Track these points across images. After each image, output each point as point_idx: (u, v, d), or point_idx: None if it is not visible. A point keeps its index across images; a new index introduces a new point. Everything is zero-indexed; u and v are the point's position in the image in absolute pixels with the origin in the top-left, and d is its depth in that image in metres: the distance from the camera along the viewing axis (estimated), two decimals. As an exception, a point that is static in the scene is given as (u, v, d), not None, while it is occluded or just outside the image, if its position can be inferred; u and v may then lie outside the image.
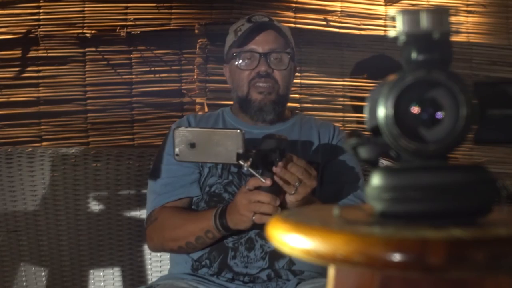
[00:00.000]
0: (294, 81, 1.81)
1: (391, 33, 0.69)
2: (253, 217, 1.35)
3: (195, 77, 2.11)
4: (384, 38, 2.19)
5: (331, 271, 0.72)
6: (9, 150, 1.83)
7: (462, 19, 2.26)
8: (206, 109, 2.08)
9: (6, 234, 1.79)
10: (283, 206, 1.35)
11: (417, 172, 0.67)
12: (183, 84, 2.12)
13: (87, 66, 2.08)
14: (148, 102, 2.11)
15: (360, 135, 0.71)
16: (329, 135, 1.66)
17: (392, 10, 0.84)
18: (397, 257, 0.58)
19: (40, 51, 2.05)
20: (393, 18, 0.69)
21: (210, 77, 2.10)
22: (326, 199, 1.55)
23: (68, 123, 2.07)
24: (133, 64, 2.10)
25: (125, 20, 2.08)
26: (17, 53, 2.04)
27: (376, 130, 0.69)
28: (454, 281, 0.65)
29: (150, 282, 1.83)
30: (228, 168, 1.58)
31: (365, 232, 0.62)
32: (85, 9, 2.06)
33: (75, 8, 2.06)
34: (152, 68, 2.10)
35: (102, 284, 1.84)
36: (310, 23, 2.17)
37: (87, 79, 2.08)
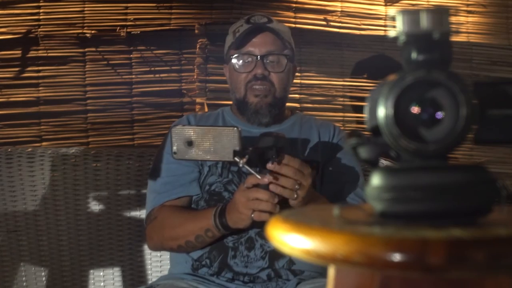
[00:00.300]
0: (294, 81, 1.81)
1: (391, 33, 0.69)
2: (252, 215, 1.35)
3: (195, 77, 2.11)
4: (384, 38, 2.19)
5: (331, 271, 0.72)
6: (9, 150, 1.83)
7: (462, 19, 2.26)
8: (206, 109, 2.08)
9: (6, 234, 1.79)
10: (281, 203, 1.36)
11: (417, 172, 0.67)
12: (183, 84, 2.12)
13: (87, 66, 2.08)
14: (148, 102, 2.11)
15: (360, 135, 0.71)
16: (329, 134, 1.66)
17: (392, 10, 0.84)
18: (397, 257, 0.58)
19: (40, 51, 2.05)
20: (393, 18, 0.69)
21: (210, 77, 2.10)
22: (327, 198, 1.55)
23: (68, 123, 2.07)
24: (133, 64, 2.10)
25: (125, 20, 2.08)
26: (17, 53, 2.04)
27: (376, 130, 0.69)
28: (454, 281, 0.65)
29: (150, 282, 1.83)
30: (228, 167, 1.58)
31: (365, 232, 0.62)
32: (85, 9, 2.07)
33: (75, 8, 2.06)
34: (152, 68, 2.10)
35: (102, 284, 1.84)
36: (310, 23, 2.17)
37: (87, 79, 2.08)
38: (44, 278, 1.81)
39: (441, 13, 0.68)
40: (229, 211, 1.42)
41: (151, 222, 1.58)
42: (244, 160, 1.29)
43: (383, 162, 1.36)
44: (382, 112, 0.68)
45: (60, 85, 2.07)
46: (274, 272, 1.50)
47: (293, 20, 2.15)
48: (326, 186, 1.59)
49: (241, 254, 1.50)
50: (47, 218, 1.82)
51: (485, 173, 0.67)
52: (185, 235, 1.50)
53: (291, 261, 1.51)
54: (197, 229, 1.48)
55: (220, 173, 1.58)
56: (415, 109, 0.68)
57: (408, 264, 0.58)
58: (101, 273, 1.84)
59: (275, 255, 1.50)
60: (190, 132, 1.32)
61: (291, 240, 0.66)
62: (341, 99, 2.20)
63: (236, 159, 1.30)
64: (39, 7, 2.04)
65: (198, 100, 2.10)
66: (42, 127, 2.06)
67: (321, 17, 2.17)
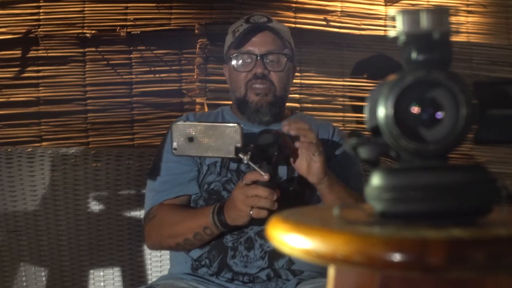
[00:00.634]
0: (294, 81, 1.81)
1: (391, 33, 0.69)
2: (250, 212, 1.36)
3: (195, 77, 2.11)
4: (384, 38, 2.19)
5: (331, 271, 0.72)
6: (9, 150, 1.83)
7: (462, 19, 2.26)
8: (206, 109, 2.08)
9: (6, 234, 1.79)
10: (279, 201, 1.36)
11: (417, 172, 0.67)
12: (183, 84, 2.12)
13: (87, 66, 2.08)
14: (148, 102, 2.11)
15: (360, 135, 0.72)
16: (328, 134, 1.66)
17: (392, 10, 0.84)
18: (397, 257, 0.58)
19: (40, 51, 2.05)
20: (393, 18, 0.69)
21: (210, 77, 2.10)
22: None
23: (68, 123, 2.07)
24: (133, 64, 2.10)
25: (125, 20, 2.08)
26: (17, 53, 2.04)
27: (376, 130, 0.69)
28: (454, 281, 0.65)
29: (150, 282, 1.83)
30: (227, 165, 1.58)
31: (365, 232, 0.62)
32: (85, 9, 2.06)
33: (75, 8, 2.06)
34: (152, 68, 2.10)
35: (102, 284, 1.84)
36: (310, 23, 2.16)
37: (87, 79, 2.08)
38: (44, 278, 1.81)
39: (441, 13, 0.68)
40: (228, 209, 1.42)
41: (149, 221, 1.58)
42: (248, 156, 1.30)
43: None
44: (382, 112, 0.68)
45: (60, 85, 2.07)
46: (273, 272, 1.50)
47: (293, 20, 2.15)
48: None
49: (240, 254, 1.51)
50: (47, 218, 1.82)
51: (485, 173, 0.67)
52: (184, 233, 1.50)
53: (290, 261, 1.51)
54: (196, 226, 1.48)
55: (219, 172, 1.58)
56: (415, 109, 0.68)
57: (408, 264, 0.58)
58: (101, 273, 1.84)
59: (274, 255, 1.50)
60: (191, 128, 1.32)
61: (291, 240, 0.66)
62: (341, 99, 2.20)
63: (240, 155, 1.30)
64: (39, 7, 2.04)
65: (198, 100, 2.10)
66: (42, 127, 2.06)
67: (321, 17, 2.17)
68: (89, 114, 2.08)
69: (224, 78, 1.75)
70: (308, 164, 1.41)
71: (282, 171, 1.54)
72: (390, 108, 0.68)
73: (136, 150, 1.91)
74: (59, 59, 2.06)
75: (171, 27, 2.10)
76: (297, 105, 2.15)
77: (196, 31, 2.09)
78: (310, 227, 0.65)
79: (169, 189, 1.58)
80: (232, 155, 1.31)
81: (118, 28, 2.07)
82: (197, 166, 1.61)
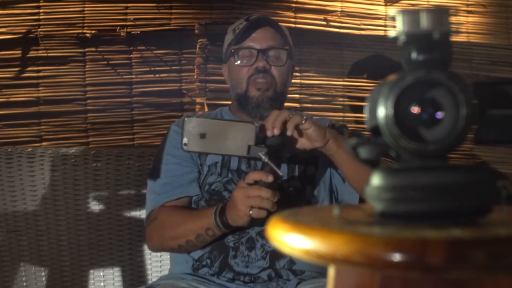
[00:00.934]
0: (294, 81, 1.82)
1: (391, 33, 0.69)
2: (250, 212, 1.36)
3: (195, 77, 2.11)
4: (384, 38, 2.19)
5: (331, 271, 0.72)
6: (9, 150, 1.83)
7: (462, 19, 2.26)
8: (206, 109, 2.08)
9: (6, 234, 1.79)
10: (280, 201, 1.37)
11: (417, 172, 0.67)
12: (183, 84, 2.12)
13: (87, 66, 2.08)
14: (148, 102, 2.11)
15: (360, 135, 0.72)
16: None
17: (392, 10, 0.84)
18: (397, 257, 0.58)
19: (40, 51, 2.05)
20: (393, 18, 0.69)
21: (210, 77, 2.10)
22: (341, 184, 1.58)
23: (68, 123, 2.07)
24: (133, 64, 2.10)
25: (125, 20, 2.08)
26: (17, 53, 2.04)
27: (376, 130, 0.69)
28: (454, 281, 0.65)
29: (150, 282, 1.83)
30: (227, 166, 1.58)
31: (365, 232, 0.62)
32: (85, 9, 2.06)
33: (75, 8, 2.06)
34: (152, 68, 2.10)
35: (102, 284, 1.84)
36: (310, 23, 2.16)
37: (87, 79, 2.08)
38: (44, 278, 1.81)
39: (441, 13, 0.68)
40: (229, 209, 1.42)
41: (151, 223, 1.58)
42: (267, 156, 1.30)
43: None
44: (382, 112, 0.68)
45: (60, 85, 2.07)
46: (274, 272, 1.50)
47: (293, 20, 2.15)
48: (336, 175, 1.59)
49: (241, 254, 1.50)
50: (47, 218, 1.82)
51: (485, 173, 0.67)
52: (186, 234, 1.50)
53: (291, 261, 1.51)
54: (198, 228, 1.48)
55: (220, 172, 1.58)
56: (415, 109, 0.68)
57: (408, 264, 0.58)
58: (101, 273, 1.84)
59: (275, 255, 1.50)
60: (205, 124, 1.31)
61: (291, 240, 0.66)
62: (341, 99, 2.20)
63: (260, 154, 1.30)
64: (39, 7, 2.04)
65: (198, 100, 2.10)
66: (42, 127, 2.06)
67: (321, 17, 2.17)
68: (89, 114, 2.08)
69: (224, 78, 1.75)
70: (304, 137, 1.40)
71: (283, 170, 1.54)
72: (390, 108, 0.68)
73: (136, 150, 1.91)
74: (59, 59, 2.06)
75: (171, 27, 2.10)
76: (297, 105, 2.15)
77: (196, 31, 2.09)
78: (310, 227, 0.65)
79: (170, 191, 1.58)
80: (244, 154, 1.31)
81: (118, 28, 2.07)
82: (197, 167, 1.61)
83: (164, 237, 1.54)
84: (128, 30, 2.08)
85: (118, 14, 2.08)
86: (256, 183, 1.36)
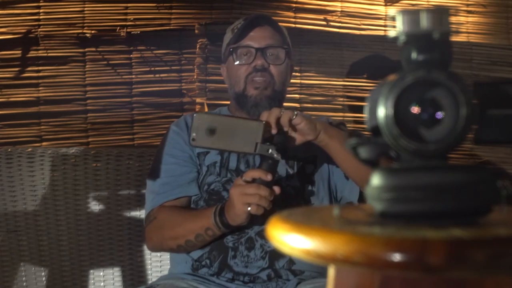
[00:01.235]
0: (294, 81, 1.81)
1: (391, 33, 0.69)
2: (248, 208, 1.36)
3: (195, 77, 2.11)
4: (384, 38, 2.19)
5: (331, 271, 0.72)
6: (9, 150, 1.83)
7: (462, 19, 2.26)
8: (206, 109, 2.08)
9: (6, 234, 1.79)
10: (280, 199, 1.38)
11: (417, 172, 0.67)
12: (183, 84, 2.12)
13: (87, 66, 2.08)
14: (148, 102, 2.11)
15: (360, 135, 0.72)
16: None
17: (392, 10, 0.84)
18: (397, 257, 0.58)
19: (40, 51, 2.05)
20: (393, 18, 0.69)
21: (210, 77, 2.10)
22: (341, 181, 1.58)
23: (68, 123, 2.07)
24: (133, 64, 2.10)
25: (125, 20, 2.08)
26: (17, 53, 2.04)
27: (376, 130, 0.69)
28: (454, 281, 0.65)
29: (150, 282, 1.83)
30: (226, 166, 1.58)
31: (365, 232, 0.62)
32: (85, 9, 2.06)
33: (75, 8, 2.06)
34: (152, 68, 2.10)
35: (102, 284, 1.84)
36: (310, 23, 2.16)
37: (87, 79, 2.08)
38: (44, 278, 1.81)
39: (441, 13, 0.68)
40: (227, 208, 1.42)
41: (150, 223, 1.58)
42: (279, 154, 1.31)
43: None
44: (382, 112, 0.68)
45: (60, 85, 2.07)
46: (274, 272, 1.50)
47: (293, 20, 2.15)
48: (337, 171, 1.59)
49: (241, 254, 1.50)
50: (47, 218, 1.82)
51: (485, 173, 0.67)
52: (185, 234, 1.50)
53: (291, 261, 1.51)
54: (197, 228, 1.48)
55: (219, 172, 1.58)
56: (415, 109, 0.68)
57: (408, 264, 0.58)
58: (101, 273, 1.84)
59: (275, 255, 1.50)
60: (214, 120, 1.32)
61: (291, 240, 0.66)
62: (341, 99, 2.20)
63: (272, 151, 1.31)
64: (39, 7, 2.04)
65: (198, 100, 2.10)
66: (42, 127, 2.06)
67: (321, 17, 2.17)
68: (89, 114, 2.08)
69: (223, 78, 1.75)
70: (298, 131, 1.40)
71: (281, 169, 1.54)
72: (390, 108, 0.68)
73: (136, 150, 1.91)
74: (59, 59, 2.06)
75: (171, 27, 2.10)
76: (297, 105, 2.15)
77: (196, 31, 2.09)
78: (310, 227, 0.65)
79: (169, 190, 1.58)
80: (252, 151, 1.32)
81: (118, 28, 2.07)
82: (196, 167, 1.61)
83: (163, 237, 1.54)
84: (128, 30, 2.08)
85: (118, 14, 2.08)
86: (253, 181, 1.36)
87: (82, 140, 2.07)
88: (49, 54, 2.05)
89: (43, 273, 1.81)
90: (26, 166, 1.81)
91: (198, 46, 2.10)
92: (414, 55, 0.69)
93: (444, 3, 2.27)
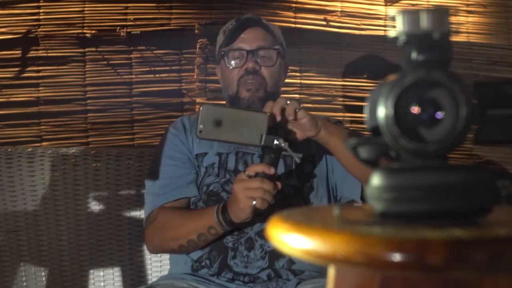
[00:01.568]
0: (294, 81, 1.81)
1: (391, 33, 0.69)
2: (254, 202, 1.36)
3: (195, 77, 2.11)
4: (384, 38, 2.19)
5: (331, 271, 0.72)
6: (9, 150, 1.83)
7: (462, 19, 2.26)
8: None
9: (6, 234, 1.79)
10: (279, 195, 1.38)
11: (417, 172, 0.67)
12: (183, 84, 2.12)
13: (87, 66, 2.08)
14: (148, 102, 2.11)
15: (360, 135, 0.72)
16: None
17: (392, 10, 0.84)
18: (397, 257, 0.58)
19: (40, 51, 2.05)
20: (393, 18, 0.69)
21: (210, 77, 2.10)
22: (342, 178, 1.58)
23: (68, 123, 2.07)
24: (133, 64, 2.10)
25: (125, 20, 2.08)
26: (17, 53, 2.04)
27: (376, 130, 0.69)
28: (454, 281, 0.65)
29: (150, 282, 1.83)
30: (225, 166, 1.58)
31: (365, 232, 0.62)
32: (85, 9, 2.06)
33: (75, 8, 2.06)
34: (152, 68, 2.10)
35: (102, 284, 1.84)
36: (310, 23, 2.16)
37: (87, 79, 2.08)
38: (44, 278, 1.81)
39: (441, 13, 0.68)
40: (230, 205, 1.42)
41: (150, 224, 1.58)
42: (286, 143, 1.32)
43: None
44: (382, 112, 0.68)
45: (60, 85, 2.07)
46: (274, 272, 1.50)
47: (293, 20, 2.15)
48: (338, 166, 1.59)
49: (241, 254, 1.50)
50: (47, 218, 1.82)
51: (485, 173, 0.67)
52: (187, 234, 1.50)
53: (291, 261, 1.51)
54: (200, 227, 1.48)
55: (217, 173, 1.58)
56: (415, 109, 0.68)
57: (408, 264, 0.58)
58: (101, 273, 1.84)
59: (275, 255, 1.50)
60: (221, 112, 1.33)
61: (291, 240, 0.66)
62: (341, 99, 2.20)
63: (278, 141, 1.32)
64: (39, 7, 2.04)
65: (198, 100, 2.10)
66: (42, 127, 2.06)
67: (321, 17, 2.17)
68: (89, 114, 2.08)
69: (221, 78, 1.75)
70: (297, 126, 1.40)
71: (280, 169, 1.54)
72: (390, 108, 0.68)
73: (136, 150, 1.91)
74: (59, 59, 2.06)
75: (171, 27, 2.10)
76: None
77: (196, 31, 2.09)
78: (310, 227, 0.65)
79: (169, 192, 1.58)
80: (257, 142, 1.32)
81: (118, 28, 2.07)
82: (195, 169, 1.61)
83: (164, 238, 1.54)
84: (128, 30, 2.08)
85: (118, 14, 2.08)
86: (256, 175, 1.36)
87: (82, 140, 2.07)
88: (49, 54, 2.05)
89: (43, 273, 1.81)
90: (26, 166, 1.81)
91: (198, 46, 2.10)
92: (414, 55, 0.69)
93: (444, 3, 2.27)
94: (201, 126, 1.32)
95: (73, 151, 1.85)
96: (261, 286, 1.49)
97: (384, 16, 2.21)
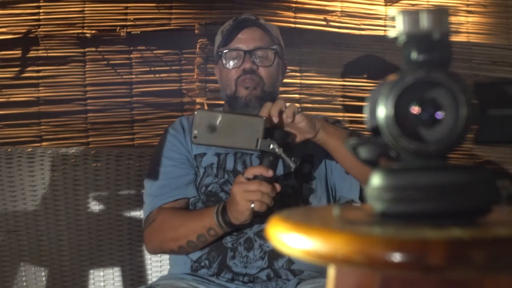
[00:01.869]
0: (294, 81, 1.81)
1: (391, 33, 0.69)
2: (252, 205, 1.36)
3: (195, 77, 2.11)
4: (384, 38, 2.19)
5: (331, 271, 0.72)
6: (9, 150, 1.83)
7: (462, 19, 2.26)
8: (206, 109, 2.08)
9: (6, 234, 1.79)
10: (278, 197, 1.38)
11: (417, 172, 0.67)
12: (183, 84, 2.12)
13: (87, 66, 2.08)
14: (148, 102, 2.11)
15: (360, 135, 0.72)
16: None
17: (392, 10, 0.84)
18: (397, 257, 0.58)
19: (40, 51, 2.05)
20: (393, 18, 0.69)
21: (210, 77, 2.10)
22: (340, 177, 1.58)
23: (68, 123, 2.07)
24: (133, 64, 2.10)
25: (125, 20, 2.08)
26: (17, 53, 2.04)
27: (376, 130, 0.69)
28: (454, 281, 0.65)
29: (150, 282, 1.83)
30: (223, 167, 1.58)
31: (365, 232, 0.62)
32: (85, 9, 2.06)
33: (75, 8, 2.06)
34: (152, 68, 2.10)
35: (102, 284, 1.84)
36: (310, 23, 2.16)
37: (87, 79, 2.08)
38: (44, 278, 1.81)
39: (441, 13, 0.68)
40: (229, 206, 1.42)
41: (149, 225, 1.58)
42: (281, 148, 1.31)
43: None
44: (382, 112, 0.68)
45: (60, 85, 2.07)
46: (273, 272, 1.50)
47: (293, 20, 2.15)
48: (336, 166, 1.59)
49: (240, 254, 1.50)
50: (47, 218, 1.82)
51: (485, 173, 0.67)
52: (187, 235, 1.50)
53: (290, 261, 1.51)
54: (199, 228, 1.48)
55: (216, 173, 1.58)
56: (415, 109, 0.68)
57: (408, 264, 0.58)
58: (101, 273, 1.84)
59: (274, 255, 1.50)
60: (216, 117, 1.32)
61: (291, 240, 0.66)
62: (341, 99, 2.20)
63: (273, 146, 1.31)
64: (39, 7, 2.04)
65: (198, 100, 2.10)
66: (42, 127, 2.06)
67: (321, 17, 2.17)
68: (89, 114, 2.08)
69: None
70: (295, 129, 1.39)
71: (279, 169, 1.54)
72: (390, 108, 0.68)
73: (136, 150, 1.91)
74: (59, 59, 2.06)
75: (171, 27, 2.10)
76: (297, 105, 2.15)
77: (196, 31, 2.09)
78: (310, 227, 0.65)
79: (167, 192, 1.58)
80: (253, 147, 1.32)
81: (118, 28, 2.07)
82: (194, 169, 1.61)
83: (164, 239, 1.54)
84: (128, 30, 2.08)
85: (118, 14, 2.08)
86: (255, 177, 1.36)
87: (82, 140, 2.07)
88: (49, 54, 2.05)
89: (43, 273, 1.81)
90: (26, 166, 1.81)
91: (198, 46, 2.10)
92: (414, 55, 0.69)
93: (444, 3, 2.27)
94: (196, 132, 1.32)
95: (73, 151, 1.85)
96: (260, 286, 1.49)
97: (384, 16, 2.21)
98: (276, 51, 1.62)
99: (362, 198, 1.58)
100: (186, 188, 1.59)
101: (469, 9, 2.27)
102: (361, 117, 2.15)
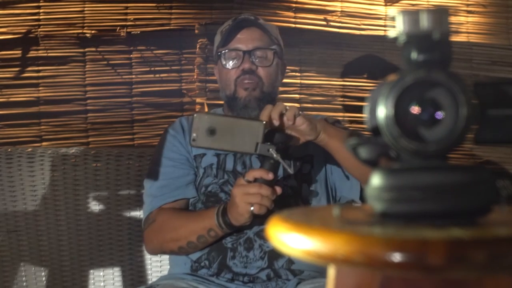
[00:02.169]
0: (294, 81, 1.81)
1: (391, 33, 0.69)
2: (251, 208, 1.36)
3: (195, 77, 2.11)
4: (384, 38, 2.19)
5: (331, 271, 0.72)
6: (9, 150, 1.83)
7: (462, 19, 2.26)
8: (206, 109, 2.08)
9: (6, 234, 1.79)
10: (279, 198, 1.38)
11: (417, 172, 0.67)
12: (183, 84, 2.12)
13: (87, 66, 2.08)
14: (148, 102, 2.11)
15: (360, 135, 0.72)
16: None
17: (392, 10, 0.84)
18: (397, 257, 0.58)
19: (40, 51, 2.05)
20: (393, 18, 0.69)
21: (210, 77, 2.10)
22: (339, 179, 1.59)
23: (68, 123, 2.07)
24: (133, 64, 2.10)
25: (125, 20, 2.08)
26: (17, 53, 2.04)
27: (376, 130, 0.69)
28: (454, 281, 0.65)
29: (150, 282, 1.83)
30: (223, 167, 1.58)
31: (365, 232, 0.62)
32: (85, 9, 2.06)
33: (75, 8, 2.06)
34: (152, 68, 2.10)
35: (102, 284, 1.84)
36: (310, 23, 2.16)
37: (87, 79, 2.08)
38: (44, 278, 1.81)
39: (441, 13, 0.68)
40: (229, 208, 1.42)
41: (149, 226, 1.58)
42: (278, 153, 1.31)
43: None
44: (382, 112, 0.68)
45: (60, 85, 2.07)
46: (273, 272, 1.50)
47: (293, 20, 2.15)
48: (335, 168, 1.59)
49: (240, 254, 1.50)
50: (47, 218, 1.82)
51: (485, 173, 0.67)
52: (187, 236, 1.50)
53: (290, 261, 1.51)
54: (200, 229, 1.48)
55: (216, 174, 1.58)
56: (415, 109, 0.68)
57: (408, 264, 0.58)
58: (101, 273, 1.84)
59: (274, 255, 1.50)
60: (215, 120, 1.32)
61: (291, 240, 0.66)
62: (341, 99, 2.20)
63: (272, 151, 1.31)
64: (39, 7, 2.04)
65: (198, 100, 2.10)
66: (42, 127, 2.06)
67: (321, 17, 2.17)
68: (89, 114, 2.08)
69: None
70: (296, 132, 1.39)
71: (282, 169, 1.54)
72: (390, 108, 0.68)
73: (136, 150, 1.91)
74: (59, 59, 2.06)
75: (171, 27, 2.10)
76: (297, 105, 2.15)
77: (196, 31, 2.09)
78: (310, 227, 0.65)
79: (167, 193, 1.58)
80: (252, 151, 1.32)
81: (118, 28, 2.07)
82: (193, 170, 1.61)
83: (164, 239, 1.54)
84: (128, 30, 2.08)
85: (118, 14, 2.08)
86: (255, 180, 1.36)
87: (82, 140, 2.07)
88: (49, 54, 2.05)
89: (43, 273, 1.81)
90: (26, 166, 1.81)
91: (198, 46, 2.10)
92: (414, 55, 0.69)
93: (444, 3, 2.27)
94: (194, 135, 1.32)
95: (73, 151, 1.85)
96: (260, 286, 1.49)
97: (384, 16, 2.21)
98: (275, 51, 1.62)
99: (362, 198, 1.58)
100: (186, 189, 1.59)
101: (469, 9, 2.27)
102: (361, 117, 2.15)
